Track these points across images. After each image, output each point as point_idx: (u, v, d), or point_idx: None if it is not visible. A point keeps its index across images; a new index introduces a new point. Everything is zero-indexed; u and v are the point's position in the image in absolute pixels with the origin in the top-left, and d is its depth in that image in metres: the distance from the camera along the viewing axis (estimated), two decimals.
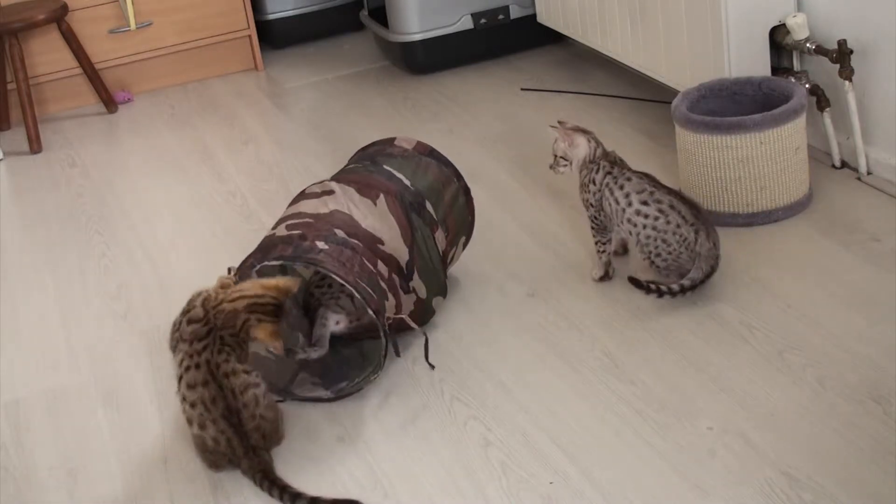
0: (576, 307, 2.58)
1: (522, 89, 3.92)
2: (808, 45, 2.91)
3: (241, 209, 3.35)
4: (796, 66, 3.04)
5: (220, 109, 4.23)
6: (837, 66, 2.85)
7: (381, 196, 2.48)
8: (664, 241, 2.51)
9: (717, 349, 2.35)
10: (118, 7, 4.36)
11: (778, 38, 2.98)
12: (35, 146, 4.08)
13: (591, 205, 2.63)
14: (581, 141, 2.63)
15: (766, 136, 2.70)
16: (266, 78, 4.51)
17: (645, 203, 2.52)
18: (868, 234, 2.68)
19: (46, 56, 4.32)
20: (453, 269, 2.81)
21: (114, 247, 3.25)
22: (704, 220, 2.53)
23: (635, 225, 2.53)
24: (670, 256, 2.51)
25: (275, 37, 4.75)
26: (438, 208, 2.59)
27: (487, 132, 3.62)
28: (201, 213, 3.37)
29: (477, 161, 3.41)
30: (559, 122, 2.66)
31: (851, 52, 2.82)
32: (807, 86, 2.95)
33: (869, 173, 2.93)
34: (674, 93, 3.11)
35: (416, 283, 2.47)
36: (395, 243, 2.43)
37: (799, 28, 2.91)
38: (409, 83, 4.16)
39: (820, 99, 2.95)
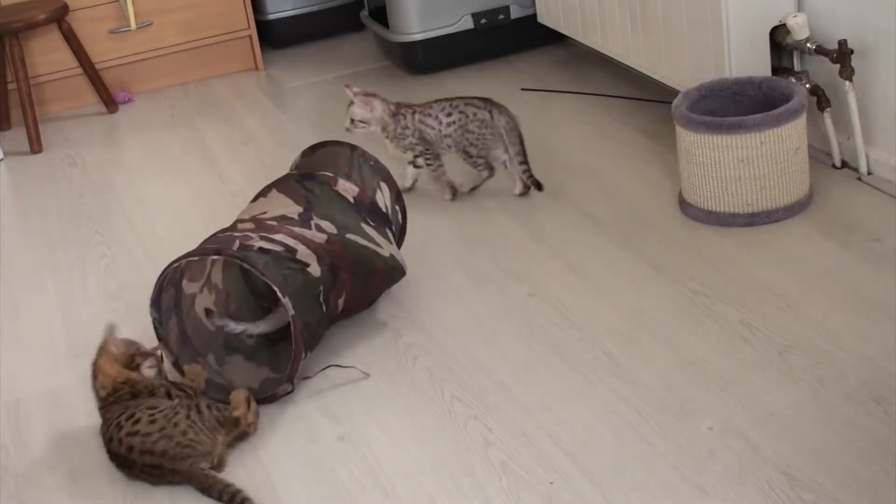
0: (576, 307, 2.58)
1: (523, 89, 3.91)
2: (808, 45, 2.91)
3: (241, 209, 3.35)
4: (797, 66, 3.04)
5: (221, 109, 4.23)
6: (838, 66, 2.85)
7: (273, 189, 2.66)
8: (468, 130, 3.01)
9: (717, 349, 2.35)
10: (118, 7, 4.36)
11: (778, 38, 2.98)
12: (35, 146, 4.08)
13: (416, 145, 3.09)
14: (376, 104, 3.09)
15: (766, 136, 2.70)
16: (266, 78, 4.51)
17: (448, 114, 3.04)
18: (868, 234, 2.68)
19: (47, 56, 4.32)
20: (453, 267, 2.81)
21: (114, 247, 3.24)
22: (494, 103, 3.03)
23: (449, 136, 3.04)
24: (478, 141, 3.01)
25: (275, 37, 4.75)
26: (334, 170, 2.68)
27: None
28: (201, 213, 3.37)
29: None
30: (347, 86, 3.09)
31: (852, 52, 2.82)
32: (807, 86, 2.95)
33: (869, 173, 2.93)
34: (674, 93, 3.10)
35: (320, 221, 2.55)
36: (287, 209, 2.57)
37: (799, 28, 2.91)
38: (410, 83, 4.16)
39: (820, 99, 2.95)
